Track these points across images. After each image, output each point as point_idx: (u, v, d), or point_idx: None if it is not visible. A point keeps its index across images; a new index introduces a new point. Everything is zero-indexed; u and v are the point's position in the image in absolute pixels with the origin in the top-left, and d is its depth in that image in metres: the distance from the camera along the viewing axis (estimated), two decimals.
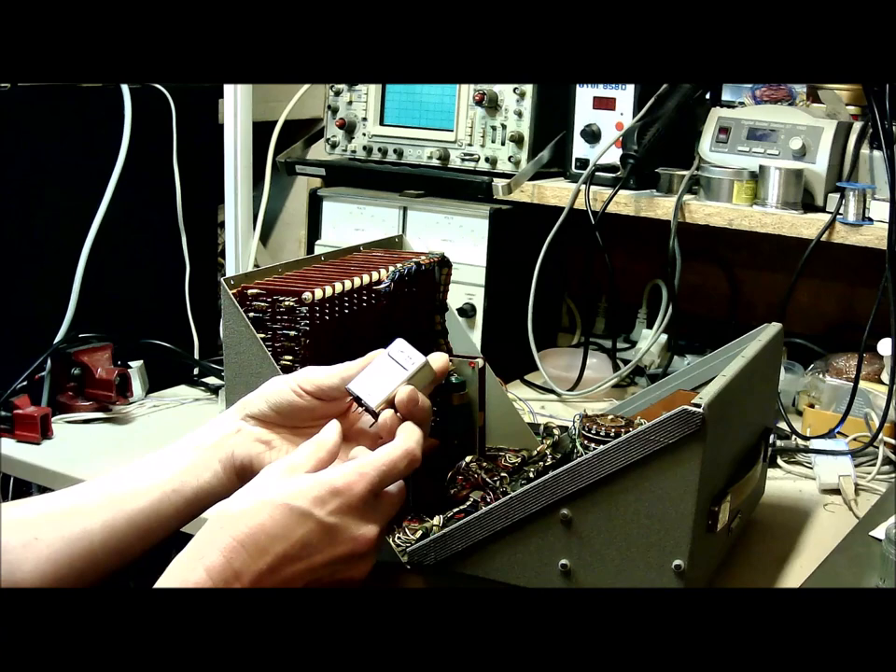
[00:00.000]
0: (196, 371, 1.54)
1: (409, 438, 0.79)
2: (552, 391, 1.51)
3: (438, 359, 0.87)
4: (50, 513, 0.80)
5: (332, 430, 0.79)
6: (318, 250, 1.59)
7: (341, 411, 0.84)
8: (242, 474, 0.82)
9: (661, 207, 1.43)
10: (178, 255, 1.65)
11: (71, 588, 0.78)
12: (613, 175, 1.47)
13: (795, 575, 1.02)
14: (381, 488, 0.76)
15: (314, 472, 0.75)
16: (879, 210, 1.31)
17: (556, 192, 1.50)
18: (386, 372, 0.82)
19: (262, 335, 0.94)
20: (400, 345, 0.84)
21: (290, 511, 0.72)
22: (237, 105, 1.53)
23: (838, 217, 1.33)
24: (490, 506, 0.87)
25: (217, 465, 0.82)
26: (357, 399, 0.81)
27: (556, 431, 1.08)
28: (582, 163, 1.52)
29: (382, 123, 1.62)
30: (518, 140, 1.51)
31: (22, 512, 0.81)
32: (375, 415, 0.81)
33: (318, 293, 0.94)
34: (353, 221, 1.59)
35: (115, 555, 0.80)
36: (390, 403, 0.81)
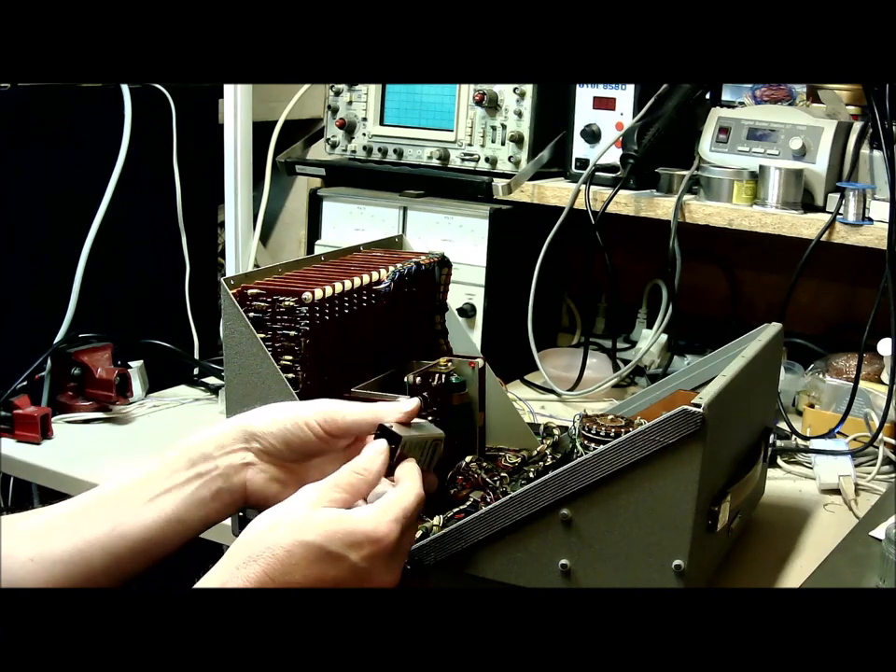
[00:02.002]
0: (196, 370, 1.54)
1: (417, 479, 0.78)
2: (552, 391, 1.51)
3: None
4: (49, 536, 0.78)
5: (376, 463, 0.78)
6: (318, 250, 1.59)
7: (342, 447, 0.84)
8: (253, 504, 0.82)
9: (661, 207, 1.43)
10: (178, 255, 1.65)
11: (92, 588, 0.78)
12: (613, 175, 1.47)
13: (795, 575, 1.02)
14: (407, 531, 0.76)
15: (349, 502, 0.75)
16: (879, 210, 1.31)
17: (556, 192, 1.50)
18: None
19: (262, 335, 0.94)
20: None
21: (324, 552, 0.71)
22: (237, 105, 1.53)
23: (838, 216, 1.33)
24: (490, 506, 0.87)
25: (225, 496, 0.81)
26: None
27: (556, 431, 1.08)
28: (582, 163, 1.52)
29: (382, 123, 1.62)
30: (518, 140, 1.51)
31: (24, 528, 0.79)
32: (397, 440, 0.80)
33: (318, 293, 0.94)
34: (353, 221, 1.59)
35: (114, 577, 0.78)
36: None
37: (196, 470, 0.81)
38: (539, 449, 1.05)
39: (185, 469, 0.81)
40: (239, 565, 0.71)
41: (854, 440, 1.30)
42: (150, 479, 0.81)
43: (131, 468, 0.83)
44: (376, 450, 0.78)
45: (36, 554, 0.77)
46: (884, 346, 1.32)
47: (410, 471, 0.79)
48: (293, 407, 0.83)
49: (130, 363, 1.44)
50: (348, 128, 1.63)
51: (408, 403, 0.82)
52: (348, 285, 0.98)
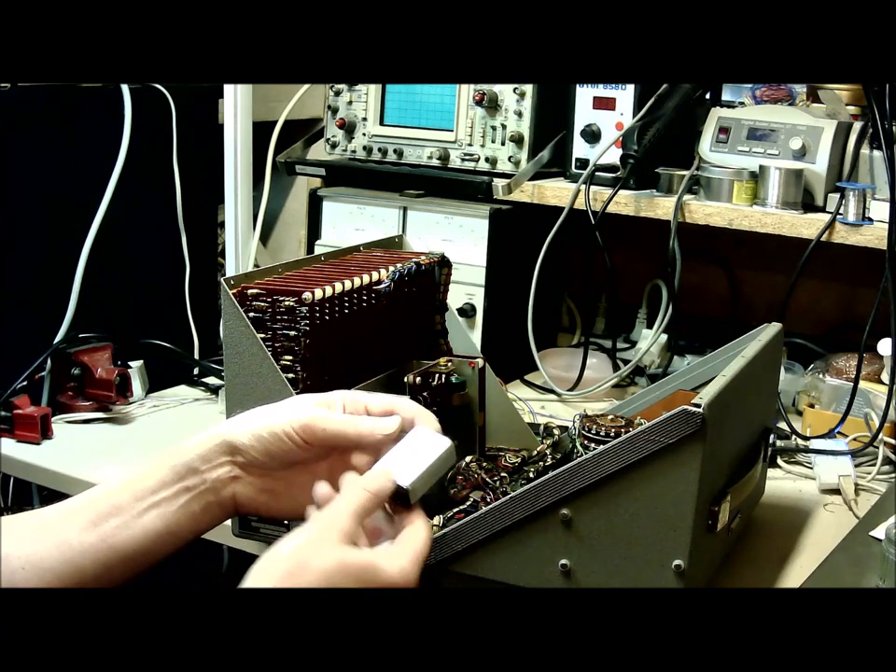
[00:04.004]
0: (196, 370, 1.54)
1: (424, 516, 0.78)
2: (552, 391, 1.51)
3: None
4: (38, 545, 0.77)
5: (385, 489, 0.77)
6: (318, 250, 1.59)
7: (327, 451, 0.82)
8: (246, 514, 0.82)
9: (661, 207, 1.43)
10: (178, 255, 1.65)
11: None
12: (613, 175, 1.47)
13: (795, 575, 1.02)
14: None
15: (360, 525, 0.74)
16: (879, 210, 1.31)
17: (556, 192, 1.50)
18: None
19: (262, 335, 0.94)
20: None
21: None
22: (237, 105, 1.53)
23: (838, 217, 1.33)
24: (490, 506, 0.87)
25: (215, 509, 0.80)
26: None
27: (556, 431, 1.08)
28: (582, 163, 1.52)
29: (382, 123, 1.62)
30: (518, 140, 1.51)
31: (16, 532, 0.78)
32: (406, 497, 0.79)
33: (318, 293, 0.94)
34: (353, 221, 1.59)
35: (105, 585, 0.78)
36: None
37: (184, 484, 0.80)
38: (539, 449, 1.05)
39: (173, 482, 0.80)
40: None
41: (854, 440, 1.30)
42: (139, 490, 0.80)
43: (124, 472, 0.82)
44: (385, 475, 0.78)
45: (27, 563, 0.76)
46: (884, 346, 1.32)
47: (419, 519, 0.78)
48: (268, 416, 0.81)
49: (130, 363, 1.44)
50: (348, 128, 1.63)
51: (388, 426, 0.80)
52: (348, 285, 0.98)
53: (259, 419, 0.81)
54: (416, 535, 0.76)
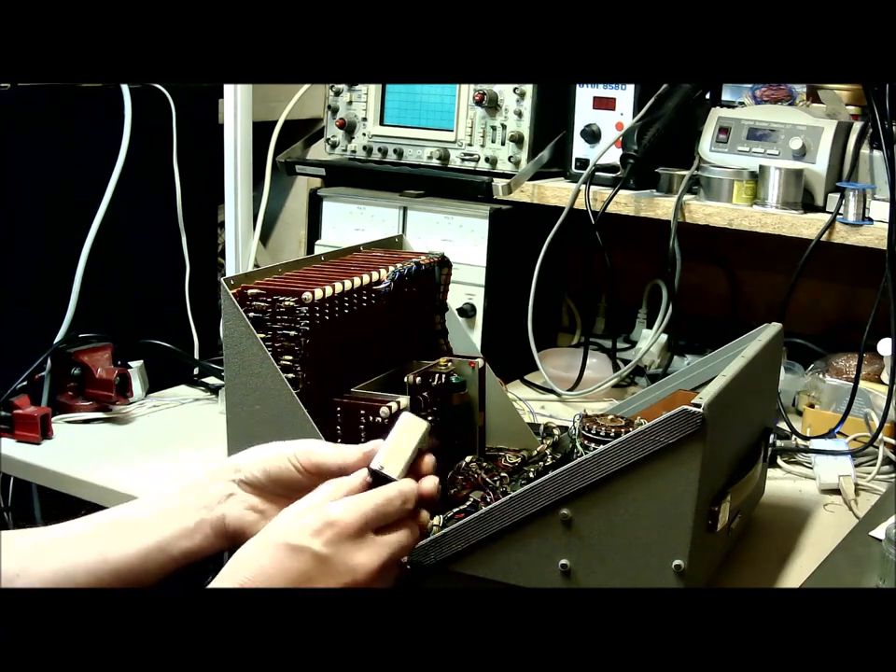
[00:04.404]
0: (196, 370, 1.54)
1: (405, 481, 0.79)
2: (552, 391, 1.51)
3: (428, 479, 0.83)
4: (37, 555, 0.79)
5: (359, 477, 0.78)
6: (318, 250, 1.59)
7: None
8: (234, 538, 0.82)
9: (661, 207, 1.43)
10: (178, 255, 1.65)
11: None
12: (613, 175, 1.47)
13: (795, 575, 1.02)
14: (376, 522, 0.75)
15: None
16: (879, 210, 1.31)
17: (556, 192, 1.50)
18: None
19: (262, 335, 0.94)
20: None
21: (287, 547, 0.73)
22: (237, 105, 1.53)
23: (838, 217, 1.33)
24: (490, 506, 0.87)
25: (207, 528, 0.82)
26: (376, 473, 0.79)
27: (556, 431, 1.08)
28: (582, 163, 1.52)
29: (382, 123, 1.62)
30: (518, 140, 1.51)
31: (16, 546, 0.79)
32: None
33: (318, 293, 0.94)
34: (353, 221, 1.59)
35: None
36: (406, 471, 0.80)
37: (184, 499, 0.82)
38: (539, 449, 1.05)
39: (175, 497, 0.83)
40: (225, 578, 0.73)
41: (854, 440, 1.30)
42: (145, 505, 0.83)
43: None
44: (361, 474, 0.79)
45: (22, 570, 0.77)
46: (884, 346, 1.32)
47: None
48: (280, 444, 0.84)
49: (130, 363, 1.44)
50: (348, 128, 1.63)
51: (373, 448, 0.81)
52: (348, 285, 0.98)
53: (270, 445, 0.84)
54: (374, 489, 0.77)
